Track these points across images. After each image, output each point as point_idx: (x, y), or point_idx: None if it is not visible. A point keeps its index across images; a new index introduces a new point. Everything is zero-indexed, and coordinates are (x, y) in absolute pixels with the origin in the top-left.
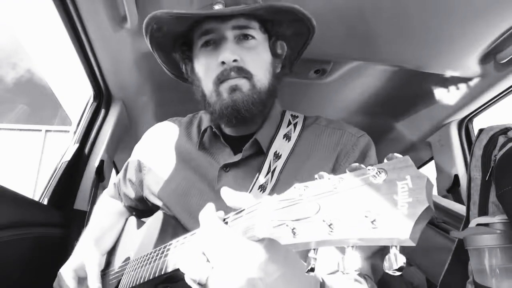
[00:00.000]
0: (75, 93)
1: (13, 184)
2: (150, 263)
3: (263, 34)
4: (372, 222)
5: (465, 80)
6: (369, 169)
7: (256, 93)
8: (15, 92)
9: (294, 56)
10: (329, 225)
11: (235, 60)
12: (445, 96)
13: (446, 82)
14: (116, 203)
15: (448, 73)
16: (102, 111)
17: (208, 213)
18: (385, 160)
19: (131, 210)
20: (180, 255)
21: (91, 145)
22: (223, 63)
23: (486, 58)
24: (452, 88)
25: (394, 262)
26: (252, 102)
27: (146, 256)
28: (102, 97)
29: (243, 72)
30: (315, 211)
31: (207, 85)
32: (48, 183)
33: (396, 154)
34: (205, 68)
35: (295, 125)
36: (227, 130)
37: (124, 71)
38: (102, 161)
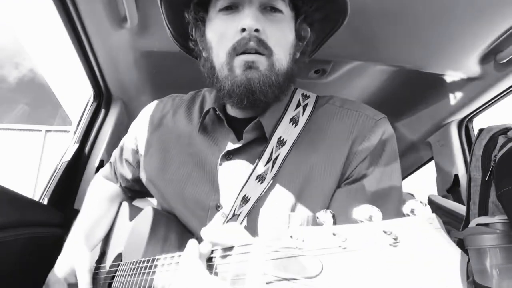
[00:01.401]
0: (75, 93)
1: (13, 184)
2: (139, 276)
3: (291, 11)
4: None
5: (465, 80)
6: (385, 231)
7: (274, 75)
8: (18, 92)
9: (316, 44)
10: None
11: (257, 30)
12: (445, 96)
13: (446, 82)
14: (110, 186)
15: (448, 73)
16: (102, 111)
17: (190, 258)
18: (405, 211)
19: (127, 191)
20: (165, 282)
21: (91, 145)
22: (243, 30)
23: (486, 58)
24: (452, 88)
25: None
26: (269, 83)
27: (136, 264)
28: (102, 97)
29: (263, 46)
30: (317, 272)
31: (218, 55)
32: (48, 183)
33: (416, 209)
34: (220, 35)
35: (304, 107)
36: (232, 112)
37: (124, 71)
38: (102, 161)
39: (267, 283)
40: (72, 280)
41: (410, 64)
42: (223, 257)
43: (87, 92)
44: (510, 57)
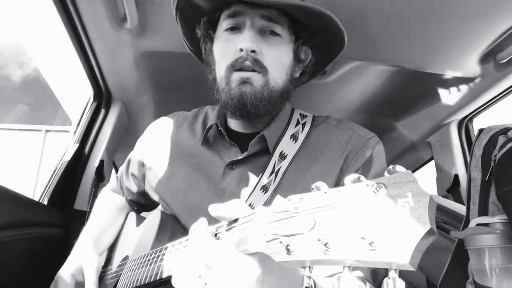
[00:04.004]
0: (75, 93)
1: (13, 184)
2: (146, 266)
3: (290, 35)
4: (370, 244)
5: (465, 80)
6: (367, 184)
7: (267, 91)
8: (22, 91)
9: (318, 67)
10: (325, 244)
11: (253, 51)
12: (445, 96)
13: (446, 82)
14: (117, 198)
15: (448, 73)
16: (102, 111)
17: (199, 228)
18: (386, 173)
19: (133, 204)
20: (174, 262)
21: (91, 145)
22: (241, 50)
23: (486, 58)
24: (452, 88)
25: (393, 287)
26: (260, 98)
27: (143, 257)
28: (102, 97)
29: (258, 65)
30: (310, 227)
31: (220, 69)
32: (48, 183)
33: (397, 167)
34: (222, 52)
35: (303, 125)
36: (234, 126)
37: (124, 71)
38: (102, 161)
39: (267, 241)
40: (80, 278)
41: (410, 64)
42: (228, 229)
43: (87, 92)
44: (510, 57)
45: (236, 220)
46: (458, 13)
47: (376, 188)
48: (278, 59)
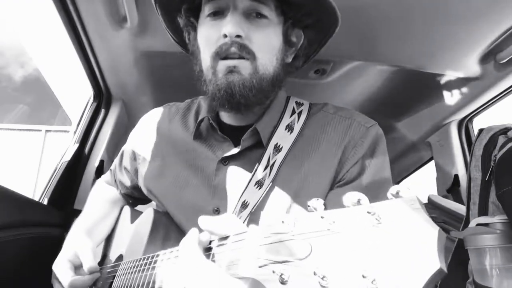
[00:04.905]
0: (75, 93)
1: (13, 184)
2: (139, 272)
3: (278, 16)
4: (372, 282)
5: (465, 80)
6: (369, 212)
7: (256, 78)
8: (23, 91)
9: (312, 49)
10: (322, 278)
11: (238, 36)
12: (445, 96)
13: (446, 82)
14: (111, 190)
15: (448, 73)
16: (102, 111)
17: (190, 244)
18: (389, 195)
19: (127, 197)
20: (164, 275)
21: (91, 145)
22: (225, 36)
23: (486, 58)
24: (452, 88)
25: None
26: (250, 87)
27: (136, 262)
28: (102, 97)
29: (245, 51)
30: (306, 254)
31: (205, 59)
32: (48, 183)
33: (401, 192)
34: (206, 40)
35: (299, 114)
36: (226, 119)
37: (124, 70)
38: (102, 161)
39: (259, 267)
40: (77, 262)
41: (410, 64)
42: (219, 246)
43: (87, 92)
44: (510, 57)
45: (227, 237)
46: (458, 13)
47: (378, 216)
48: (267, 42)
